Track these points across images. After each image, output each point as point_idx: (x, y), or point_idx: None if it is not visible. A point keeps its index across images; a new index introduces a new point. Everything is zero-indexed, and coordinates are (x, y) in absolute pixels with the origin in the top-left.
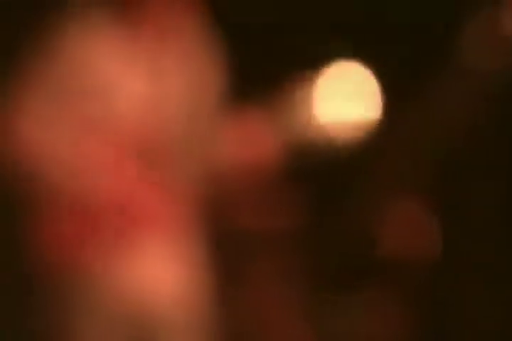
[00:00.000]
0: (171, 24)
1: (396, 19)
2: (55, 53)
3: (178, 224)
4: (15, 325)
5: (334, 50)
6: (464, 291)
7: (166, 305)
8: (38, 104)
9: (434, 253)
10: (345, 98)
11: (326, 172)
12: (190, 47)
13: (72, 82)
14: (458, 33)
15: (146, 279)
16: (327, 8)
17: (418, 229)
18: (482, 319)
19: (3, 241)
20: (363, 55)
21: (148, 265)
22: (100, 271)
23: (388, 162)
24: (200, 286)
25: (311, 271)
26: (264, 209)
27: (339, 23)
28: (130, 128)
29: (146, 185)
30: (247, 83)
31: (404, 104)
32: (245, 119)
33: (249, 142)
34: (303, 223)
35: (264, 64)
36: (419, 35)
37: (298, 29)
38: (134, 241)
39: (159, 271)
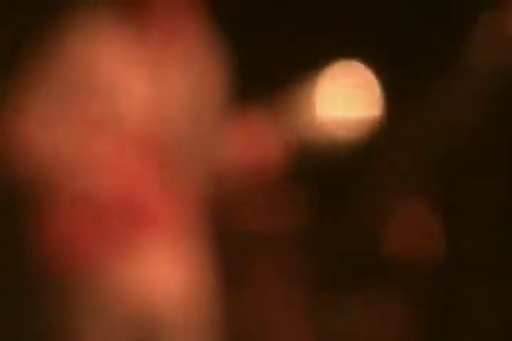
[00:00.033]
0: (175, 26)
1: (399, 20)
2: (59, 53)
3: (180, 225)
4: (17, 324)
5: (337, 51)
6: (466, 291)
7: (168, 305)
8: (40, 104)
9: (437, 253)
10: (347, 98)
11: (328, 172)
12: (194, 49)
13: (75, 82)
14: (462, 34)
15: (149, 280)
16: (330, 8)
17: (420, 230)
18: (484, 319)
19: (5, 242)
20: (366, 56)
21: (151, 265)
22: (103, 271)
23: (391, 162)
24: (203, 287)
25: (313, 271)
26: (266, 209)
27: (341, 23)
28: (133, 128)
29: (149, 185)
30: (249, 84)
31: (407, 105)
32: (248, 120)
33: (252, 143)
34: (305, 223)
35: (266, 65)
36: (422, 36)
37: (300, 30)
38: (136, 241)
39: (162, 271)
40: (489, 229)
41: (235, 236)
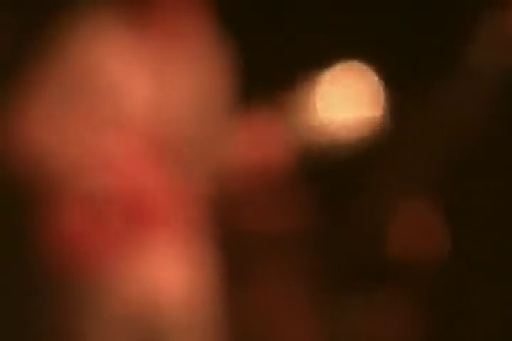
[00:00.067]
0: (178, 26)
1: (400, 19)
2: (61, 53)
3: (185, 225)
4: (19, 325)
5: (340, 51)
6: (470, 292)
7: (171, 305)
8: (42, 104)
9: (440, 253)
10: (350, 99)
11: (332, 173)
12: (198, 49)
13: (78, 82)
14: (464, 34)
15: (152, 279)
16: (332, 8)
17: (424, 230)
18: (488, 319)
19: (9, 241)
20: (368, 56)
21: (154, 265)
22: (106, 271)
23: (395, 163)
24: (206, 287)
25: (317, 271)
26: (270, 210)
27: (343, 23)
28: (136, 128)
29: (154, 185)
30: (254, 84)
31: (410, 105)
32: (253, 121)
33: (256, 143)
34: (311, 224)
35: (271, 65)
36: (423, 36)
37: (304, 30)
38: (140, 241)
39: (165, 271)
40: (493, 229)
41: (238, 236)
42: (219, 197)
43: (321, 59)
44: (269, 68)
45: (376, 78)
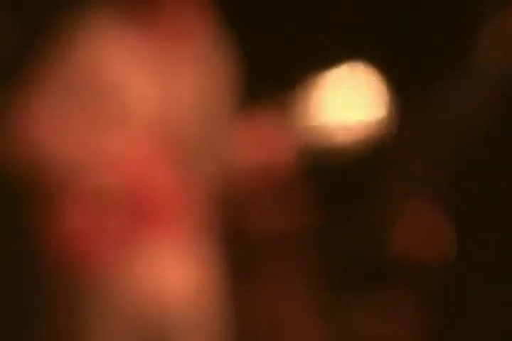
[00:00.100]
0: (183, 26)
1: (405, 19)
2: (66, 52)
3: (190, 225)
4: (21, 325)
5: (343, 52)
6: (477, 292)
7: (177, 305)
8: (46, 104)
9: (447, 254)
10: (355, 99)
11: (337, 173)
12: (203, 49)
13: (82, 81)
14: (470, 34)
15: (158, 279)
16: (334, 8)
17: (430, 230)
18: (495, 319)
19: (14, 241)
20: (371, 57)
21: (160, 265)
22: (111, 271)
23: (400, 163)
24: (212, 287)
25: (322, 271)
26: (275, 210)
27: (348, 24)
28: (141, 128)
29: (159, 185)
30: (258, 85)
31: (415, 105)
32: (257, 121)
33: (261, 144)
34: (315, 224)
35: (276, 65)
36: (428, 36)
37: (309, 30)
38: (146, 240)
39: (171, 271)
40: (500, 229)
41: (243, 236)
42: (223, 196)
43: (324, 60)
44: (272, 68)
45: (379, 79)
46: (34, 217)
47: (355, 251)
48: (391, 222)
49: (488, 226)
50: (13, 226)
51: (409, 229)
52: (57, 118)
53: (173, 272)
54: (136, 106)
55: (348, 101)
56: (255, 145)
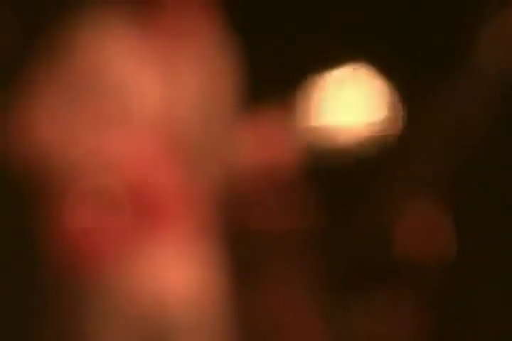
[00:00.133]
0: (186, 26)
1: (406, 20)
2: (69, 52)
3: (193, 225)
4: (23, 325)
5: (346, 53)
6: (478, 292)
7: (179, 305)
8: (49, 104)
9: (448, 254)
10: (356, 100)
11: (339, 173)
12: (206, 49)
13: (85, 81)
14: (470, 34)
15: (160, 279)
16: (335, 9)
17: (431, 230)
18: (496, 319)
19: (16, 242)
20: (373, 57)
21: (162, 265)
22: (114, 271)
23: (401, 163)
24: (214, 287)
25: (324, 272)
26: (278, 210)
27: (351, 24)
28: (144, 128)
29: (162, 184)
30: (261, 85)
31: (415, 105)
32: (261, 121)
33: (264, 144)
34: (317, 224)
35: (277, 66)
36: (428, 36)
37: (311, 30)
38: (149, 240)
39: (174, 271)
40: (500, 229)
41: (245, 235)
42: (226, 197)
43: (326, 60)
44: (274, 69)
45: (381, 80)
46: (37, 217)
47: (356, 251)
48: (391, 222)
49: (488, 227)
50: (15, 226)
51: (409, 229)
52: (59, 118)
53: (175, 272)
54: (138, 106)
55: (349, 101)
56: (258, 146)
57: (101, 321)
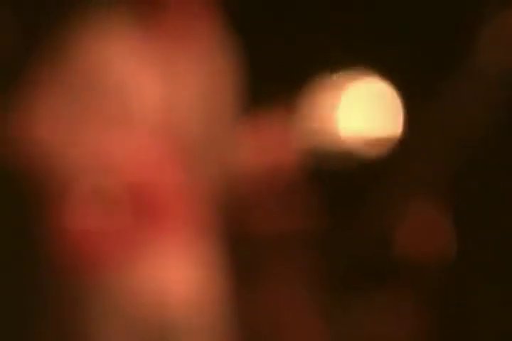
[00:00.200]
0: (188, 27)
1: (406, 20)
2: (70, 52)
3: (194, 226)
4: (25, 325)
5: (345, 53)
6: (478, 293)
7: (180, 306)
8: (50, 104)
9: (448, 254)
10: (359, 103)
11: (340, 176)
12: (207, 51)
13: (86, 81)
14: (470, 34)
15: (161, 280)
16: (338, 9)
17: (431, 231)
18: (496, 319)
19: (17, 243)
20: (374, 58)
21: (163, 266)
22: (115, 271)
23: (402, 165)
24: (215, 288)
25: (325, 273)
26: (279, 212)
27: (348, 24)
28: (146, 128)
29: (164, 185)
30: (263, 88)
31: (415, 106)
32: (262, 124)
33: (266, 146)
34: (317, 226)
35: (279, 68)
36: (430, 36)
37: (312, 30)
38: (149, 242)
39: (174, 272)
40: (500, 229)
41: (246, 237)
42: (227, 198)
43: (329, 61)
44: (276, 71)
45: (381, 81)
46: (37, 218)
47: (356, 252)
48: (392, 222)
49: (488, 227)
50: (16, 226)
51: (409, 229)
52: (60, 119)
53: (175, 273)
54: (139, 107)
55: (352, 105)
56: (259, 148)
57: (101, 322)
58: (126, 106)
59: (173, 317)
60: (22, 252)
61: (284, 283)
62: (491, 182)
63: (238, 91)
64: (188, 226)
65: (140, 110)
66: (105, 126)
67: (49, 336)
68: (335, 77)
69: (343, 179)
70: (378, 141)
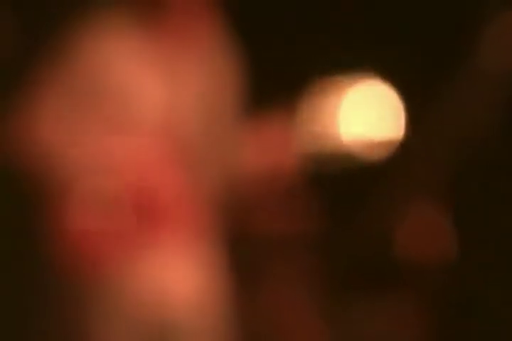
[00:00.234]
0: (190, 28)
1: (406, 20)
2: (72, 53)
3: (195, 227)
4: (26, 326)
5: (345, 54)
6: (480, 294)
7: (181, 307)
8: (51, 104)
9: (449, 255)
10: (360, 106)
11: (341, 177)
12: (209, 52)
13: (88, 82)
14: (471, 34)
15: (163, 281)
16: (338, 9)
17: (432, 232)
18: (497, 321)
19: (18, 244)
20: (374, 59)
21: (165, 267)
22: (116, 273)
23: (402, 166)
24: (217, 289)
25: (326, 274)
26: (280, 213)
27: (348, 24)
28: (146, 129)
29: (166, 186)
30: (264, 89)
31: (418, 108)
32: (264, 126)
33: (267, 148)
34: (318, 227)
35: (281, 70)
36: (430, 36)
37: (313, 30)
38: (151, 242)
39: (176, 273)
40: (501, 230)
41: (247, 239)
42: (228, 199)
43: (330, 63)
44: (279, 73)
45: (382, 82)
46: (38, 218)
47: (357, 253)
48: (393, 223)
49: (489, 228)
50: (17, 227)
51: (410, 230)
52: (61, 119)
53: (177, 274)
54: (141, 108)
55: (353, 107)
56: (260, 150)
57: (102, 322)
58: (127, 106)
59: (174, 317)
60: (22, 252)
61: (284, 283)
62: (492, 183)
63: (239, 92)
64: (189, 227)
65: (141, 110)
66: (106, 127)
67: (49, 336)
68: (336, 79)
69: (343, 179)
70: (380, 144)
